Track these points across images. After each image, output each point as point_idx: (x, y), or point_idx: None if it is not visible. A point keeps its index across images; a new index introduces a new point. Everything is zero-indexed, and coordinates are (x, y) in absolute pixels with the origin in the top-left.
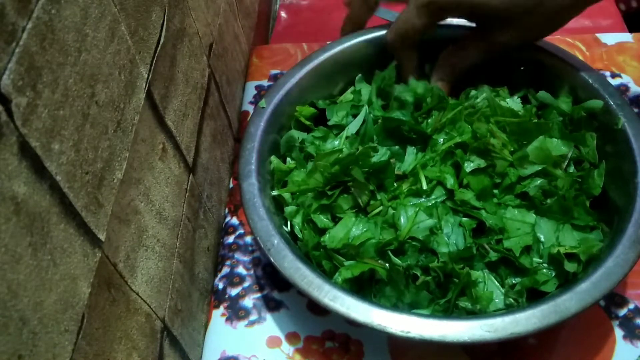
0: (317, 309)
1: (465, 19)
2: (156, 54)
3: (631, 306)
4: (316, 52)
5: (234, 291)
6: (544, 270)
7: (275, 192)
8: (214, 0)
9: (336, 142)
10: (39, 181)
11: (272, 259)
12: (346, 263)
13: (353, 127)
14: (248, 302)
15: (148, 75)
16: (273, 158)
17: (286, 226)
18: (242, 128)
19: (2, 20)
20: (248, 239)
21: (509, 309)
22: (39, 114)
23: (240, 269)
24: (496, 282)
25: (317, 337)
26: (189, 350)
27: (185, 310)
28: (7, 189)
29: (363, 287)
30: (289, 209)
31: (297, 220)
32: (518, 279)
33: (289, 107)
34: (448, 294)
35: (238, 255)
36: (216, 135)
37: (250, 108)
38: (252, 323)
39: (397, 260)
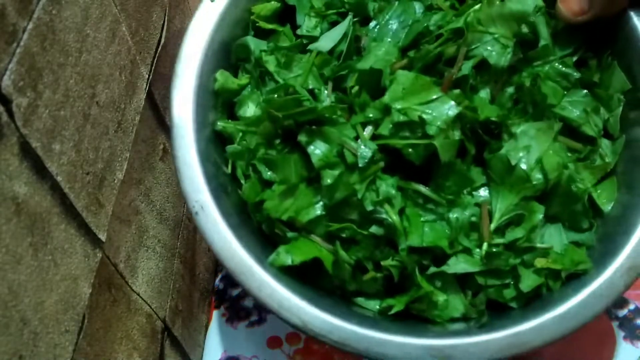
0: None
1: None
2: (157, 55)
3: (631, 307)
4: None
5: (234, 292)
6: (511, 288)
7: (220, 125)
8: None
9: (298, 69)
10: (39, 182)
11: (200, 226)
12: (289, 234)
13: (327, 41)
14: (249, 302)
15: (149, 75)
16: (219, 74)
17: (227, 166)
18: None
19: (3, 21)
20: None
21: (464, 322)
22: (40, 114)
23: None
24: (460, 295)
25: None
26: (189, 351)
27: (186, 310)
28: (8, 190)
29: (304, 264)
30: (231, 149)
31: (241, 163)
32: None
33: (247, 0)
34: (401, 298)
35: None
36: None
37: None
38: (252, 324)
39: (345, 256)
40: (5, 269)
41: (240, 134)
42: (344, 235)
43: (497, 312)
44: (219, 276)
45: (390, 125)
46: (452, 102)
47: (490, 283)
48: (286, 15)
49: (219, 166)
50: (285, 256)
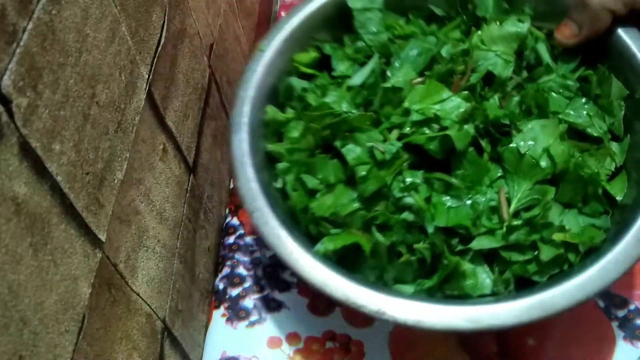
0: (318, 309)
1: None
2: (157, 55)
3: (631, 307)
4: None
5: (234, 291)
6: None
7: (270, 147)
8: (215, 1)
9: (333, 97)
10: (39, 182)
11: (255, 223)
12: (332, 231)
13: (358, 77)
14: (248, 302)
15: (148, 75)
16: (269, 108)
17: (277, 182)
18: None
19: (3, 21)
20: (248, 239)
21: (494, 297)
22: (40, 114)
23: (241, 270)
24: (485, 267)
25: (317, 337)
26: (189, 351)
27: (186, 310)
28: (8, 190)
29: (346, 257)
30: (281, 166)
31: (289, 177)
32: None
33: (292, 51)
34: (433, 277)
35: (238, 256)
36: (217, 136)
37: None
38: (252, 323)
39: (380, 238)
40: (5, 269)
41: (287, 152)
42: (378, 222)
43: (523, 288)
44: (219, 276)
45: (411, 124)
46: (461, 100)
47: (514, 259)
48: (323, 64)
49: (271, 183)
50: (329, 243)
